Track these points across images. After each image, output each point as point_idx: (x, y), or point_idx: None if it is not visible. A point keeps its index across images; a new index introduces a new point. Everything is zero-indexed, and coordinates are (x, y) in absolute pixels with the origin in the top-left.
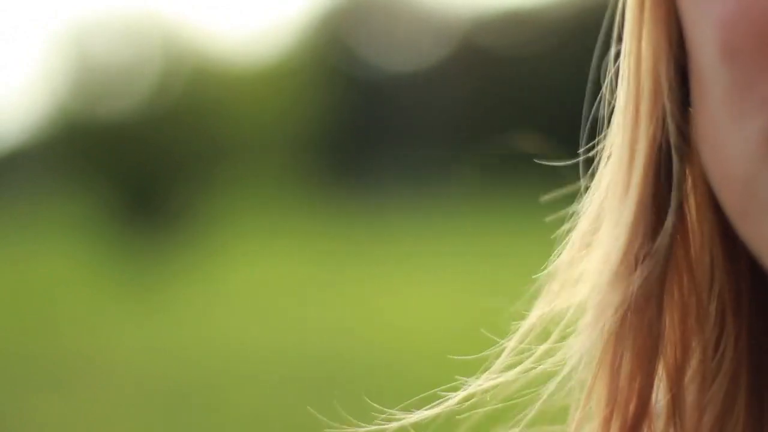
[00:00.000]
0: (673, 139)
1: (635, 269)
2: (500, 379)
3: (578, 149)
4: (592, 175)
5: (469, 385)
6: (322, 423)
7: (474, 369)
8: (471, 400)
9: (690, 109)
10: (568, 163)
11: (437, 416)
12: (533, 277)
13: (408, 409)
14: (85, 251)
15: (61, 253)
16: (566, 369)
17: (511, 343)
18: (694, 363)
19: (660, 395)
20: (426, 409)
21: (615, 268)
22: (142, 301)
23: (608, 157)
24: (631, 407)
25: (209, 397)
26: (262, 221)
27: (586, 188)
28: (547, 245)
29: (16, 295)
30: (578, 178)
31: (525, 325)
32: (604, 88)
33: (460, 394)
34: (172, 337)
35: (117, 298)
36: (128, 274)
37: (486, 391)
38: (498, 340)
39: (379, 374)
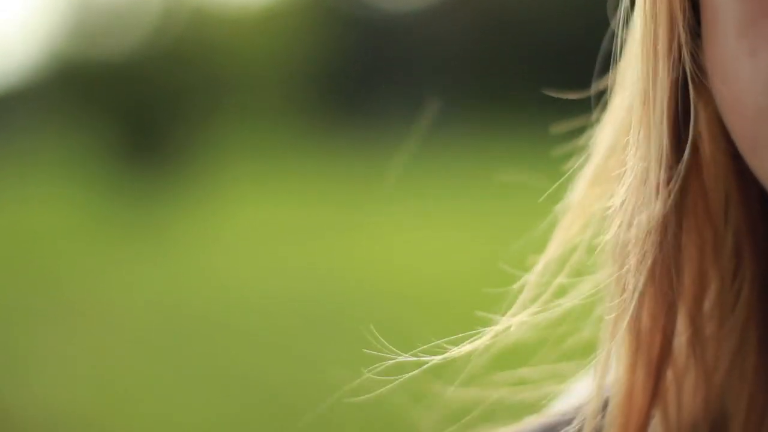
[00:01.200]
0: (689, 69)
1: (655, 201)
2: (524, 316)
3: (582, 85)
4: (601, 110)
5: (498, 323)
6: (324, 363)
7: (482, 307)
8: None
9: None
10: (573, 98)
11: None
12: (551, 211)
13: (436, 347)
14: (83, 192)
15: (59, 195)
16: (596, 305)
17: (531, 278)
18: (711, 295)
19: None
20: (459, 347)
21: (635, 201)
22: (141, 241)
23: (619, 91)
24: (656, 345)
25: (209, 337)
26: (262, 161)
27: (594, 123)
28: (553, 181)
29: (14, 236)
30: (583, 114)
31: (542, 260)
32: (612, 25)
33: (492, 331)
34: (171, 277)
35: (116, 238)
36: (127, 215)
37: (510, 328)
38: (514, 275)
39: (384, 315)
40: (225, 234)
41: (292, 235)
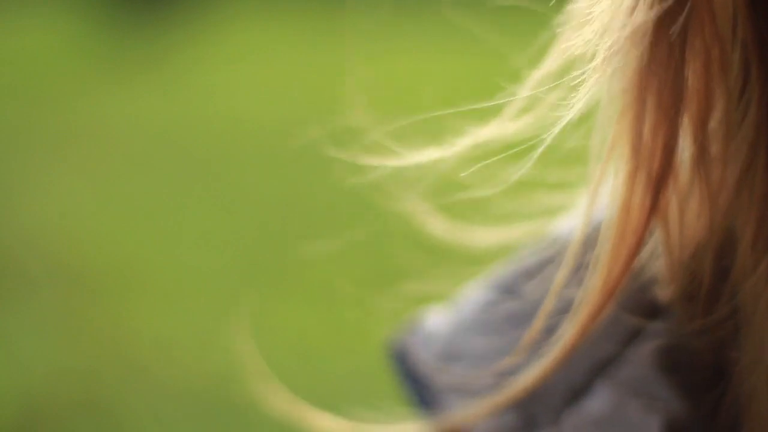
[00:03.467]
0: None
1: (657, 10)
2: (511, 126)
3: None
4: None
5: (478, 132)
6: (327, 191)
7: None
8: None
9: None
10: None
11: (445, 161)
12: (551, 25)
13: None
14: (80, 21)
15: (57, 22)
16: (583, 116)
17: (523, 91)
18: (718, 113)
19: (683, 149)
20: (432, 151)
21: (636, 11)
22: (140, 68)
23: None
24: (656, 161)
25: (209, 160)
26: None
27: None
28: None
29: (7, 68)
30: None
31: (538, 72)
32: None
33: (470, 140)
34: (171, 103)
35: (114, 69)
36: (127, 41)
37: (495, 138)
38: (506, 87)
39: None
40: (225, 59)
41: (292, 62)
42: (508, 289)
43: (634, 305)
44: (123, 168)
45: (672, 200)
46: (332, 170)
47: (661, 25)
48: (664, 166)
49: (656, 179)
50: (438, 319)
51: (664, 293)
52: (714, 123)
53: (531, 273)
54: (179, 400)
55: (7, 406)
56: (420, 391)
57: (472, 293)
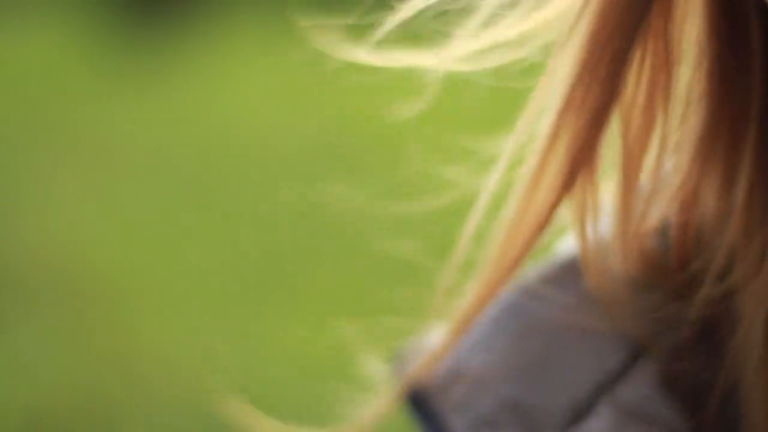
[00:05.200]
0: None
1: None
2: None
3: None
4: None
5: None
6: (329, 205)
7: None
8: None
9: None
10: None
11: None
12: None
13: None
14: (84, 33)
15: (57, 38)
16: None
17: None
18: (657, 128)
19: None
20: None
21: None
22: (144, 86)
23: None
24: (573, 147)
25: (212, 177)
26: (269, 6)
27: None
28: None
29: (11, 79)
30: None
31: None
32: None
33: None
34: (175, 121)
35: (118, 81)
36: (130, 58)
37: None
38: None
39: (386, 157)
40: (230, 73)
41: (298, 77)
42: (513, 306)
43: (641, 322)
44: (126, 180)
45: (589, 192)
46: (332, 184)
47: (609, 24)
48: (580, 153)
49: (571, 163)
50: (442, 335)
51: (585, 282)
52: (653, 137)
53: (535, 290)
54: (181, 412)
55: (9, 418)
56: (422, 408)
57: None
